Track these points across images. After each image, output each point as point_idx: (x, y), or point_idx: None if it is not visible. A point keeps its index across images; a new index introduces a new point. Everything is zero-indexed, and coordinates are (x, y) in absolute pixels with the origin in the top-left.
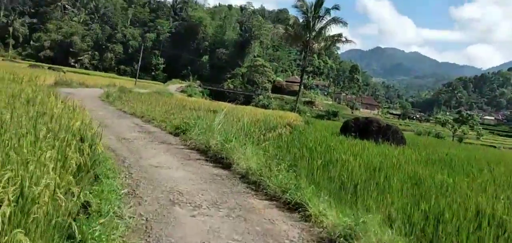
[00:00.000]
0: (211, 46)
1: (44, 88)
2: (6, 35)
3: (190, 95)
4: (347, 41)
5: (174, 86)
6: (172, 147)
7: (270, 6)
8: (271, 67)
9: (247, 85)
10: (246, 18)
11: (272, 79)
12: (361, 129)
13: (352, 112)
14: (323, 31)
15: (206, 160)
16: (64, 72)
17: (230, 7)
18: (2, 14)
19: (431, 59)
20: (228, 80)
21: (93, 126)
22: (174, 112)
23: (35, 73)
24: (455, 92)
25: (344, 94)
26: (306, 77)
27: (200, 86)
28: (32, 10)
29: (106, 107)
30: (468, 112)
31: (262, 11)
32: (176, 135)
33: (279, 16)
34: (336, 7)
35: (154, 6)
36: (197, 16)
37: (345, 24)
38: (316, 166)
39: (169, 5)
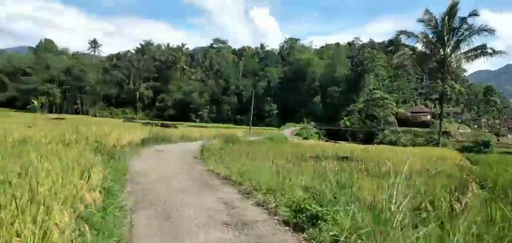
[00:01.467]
0: (322, 85)
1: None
2: (136, 99)
3: (305, 138)
4: (495, 52)
5: (288, 129)
6: None
7: (378, 38)
8: (392, 99)
9: (365, 120)
10: (356, 53)
11: (395, 111)
12: None
13: (498, 140)
14: (461, 45)
15: None
16: (176, 127)
17: (338, 44)
18: (131, 81)
19: None
20: (344, 118)
21: None
22: (291, 167)
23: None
24: None
25: (484, 120)
26: (432, 105)
27: (314, 127)
28: (156, 75)
29: (192, 169)
30: None
31: (371, 44)
32: (298, 229)
33: (392, 44)
34: (474, 13)
35: (263, 55)
36: (305, 58)
37: (491, 32)
38: None
39: (276, 52)
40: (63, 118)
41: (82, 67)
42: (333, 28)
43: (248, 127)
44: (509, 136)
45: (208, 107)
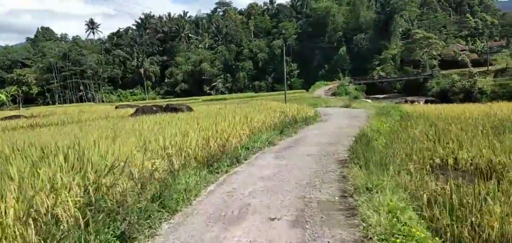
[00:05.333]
0: (346, 34)
1: None
2: (143, 77)
3: (355, 97)
4: None
5: (321, 90)
6: None
7: None
8: (436, 38)
9: (406, 68)
10: None
11: (439, 53)
12: None
13: None
14: None
15: None
16: (190, 109)
17: None
18: (135, 59)
19: None
20: (377, 68)
21: None
22: None
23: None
24: None
25: None
26: (464, 43)
27: (351, 82)
28: (160, 48)
29: None
30: None
31: None
32: None
33: None
34: None
35: (274, 11)
36: (322, 6)
37: None
38: None
39: (288, 6)
40: (18, 116)
41: (81, 50)
42: None
43: (272, 94)
44: None
45: (222, 76)
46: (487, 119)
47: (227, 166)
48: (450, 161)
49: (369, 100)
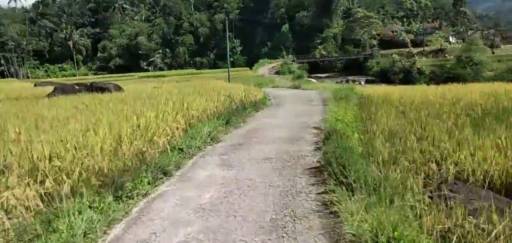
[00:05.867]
0: (288, 12)
1: None
2: (72, 51)
3: (299, 77)
4: None
5: (264, 68)
6: None
7: None
8: (377, 17)
9: (347, 47)
10: None
11: (379, 33)
12: None
13: (493, 53)
14: None
15: None
16: (120, 88)
17: None
18: (64, 30)
19: None
20: (319, 47)
21: None
22: None
23: None
24: None
25: (471, 32)
26: (400, 23)
27: (294, 61)
28: (92, 20)
29: None
30: None
31: None
32: None
33: None
34: None
35: None
36: None
37: None
38: None
39: None
40: None
41: None
42: None
43: (214, 72)
44: (502, 47)
45: (160, 51)
46: (457, 105)
47: (148, 184)
48: (451, 168)
49: (314, 80)
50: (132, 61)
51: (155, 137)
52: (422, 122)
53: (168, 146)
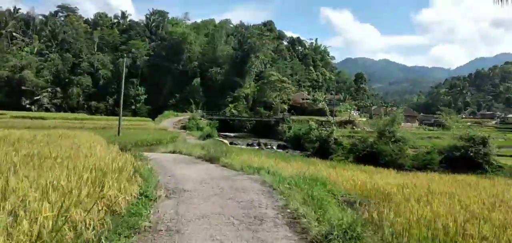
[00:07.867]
0: (201, 66)
1: None
2: None
3: (208, 136)
4: None
5: (169, 121)
6: None
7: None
8: (290, 82)
9: (258, 109)
10: (241, 32)
11: (290, 98)
12: None
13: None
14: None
15: None
16: None
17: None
18: None
19: (400, 64)
20: (230, 105)
21: None
22: None
23: None
24: (458, 90)
25: (375, 107)
26: (307, 93)
27: (203, 116)
28: None
29: None
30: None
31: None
32: None
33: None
34: None
35: (125, 27)
36: (179, 32)
37: None
38: None
39: (142, 24)
40: None
41: None
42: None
43: (108, 119)
44: (402, 123)
45: (49, 90)
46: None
47: None
48: None
49: (226, 141)
50: (13, 97)
51: None
52: None
53: None
